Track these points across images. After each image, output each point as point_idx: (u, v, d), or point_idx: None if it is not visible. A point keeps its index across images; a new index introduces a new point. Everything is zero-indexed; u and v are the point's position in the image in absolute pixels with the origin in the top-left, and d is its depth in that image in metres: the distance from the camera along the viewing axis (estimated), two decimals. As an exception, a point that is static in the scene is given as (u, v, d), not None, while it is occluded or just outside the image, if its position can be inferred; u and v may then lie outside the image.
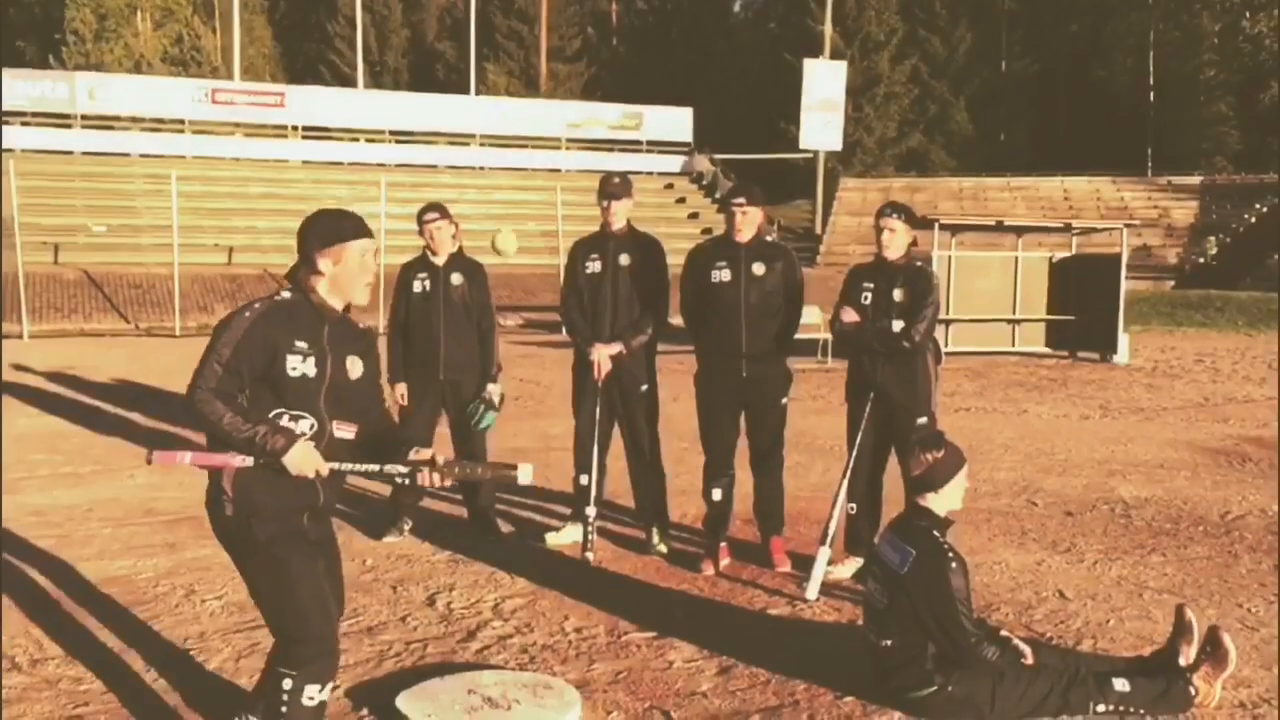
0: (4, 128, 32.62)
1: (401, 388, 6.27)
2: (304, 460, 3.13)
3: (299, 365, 3.16)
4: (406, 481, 3.28)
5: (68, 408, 11.67)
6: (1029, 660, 3.86)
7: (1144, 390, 13.70)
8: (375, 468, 3.27)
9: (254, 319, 3.15)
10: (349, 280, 3.25)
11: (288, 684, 3.19)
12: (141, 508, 7.06)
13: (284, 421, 3.16)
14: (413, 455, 3.27)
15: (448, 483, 3.30)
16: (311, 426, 3.20)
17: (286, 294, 3.25)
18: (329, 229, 3.26)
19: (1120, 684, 3.83)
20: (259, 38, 52.74)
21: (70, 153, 34.10)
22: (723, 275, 5.61)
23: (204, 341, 3.29)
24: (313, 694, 3.20)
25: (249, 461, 3.14)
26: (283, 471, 3.12)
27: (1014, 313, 18.50)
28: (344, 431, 3.29)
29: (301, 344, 3.17)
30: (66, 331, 23.15)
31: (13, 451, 8.90)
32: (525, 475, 3.30)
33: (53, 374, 14.72)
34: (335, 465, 3.22)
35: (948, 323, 17.48)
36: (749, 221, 5.63)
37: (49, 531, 6.41)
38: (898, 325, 5.33)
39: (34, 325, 22.37)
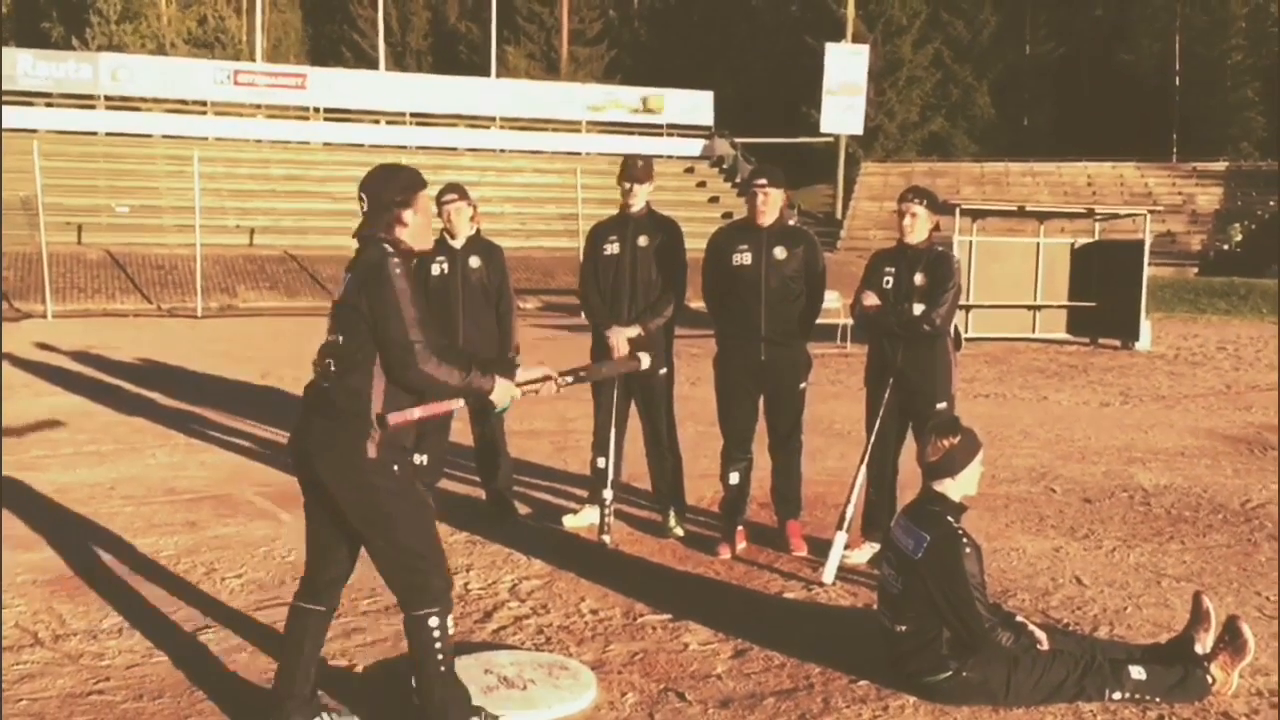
0: (28, 108, 32.84)
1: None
2: (505, 392, 3.50)
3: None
4: (538, 391, 3.70)
5: (90, 387, 11.76)
6: (1044, 646, 3.85)
7: (1165, 377, 13.61)
8: (535, 388, 3.66)
9: (404, 273, 3.34)
10: (425, 226, 3.52)
11: (434, 621, 3.36)
12: (163, 486, 7.12)
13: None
14: (522, 374, 3.64)
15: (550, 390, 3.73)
16: None
17: (388, 247, 3.41)
18: (405, 181, 3.49)
19: (1137, 671, 3.83)
20: (287, 19, 52.76)
21: (94, 133, 34.24)
22: (744, 258, 5.60)
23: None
24: (450, 624, 3.39)
25: (460, 403, 3.47)
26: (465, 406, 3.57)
27: (1035, 299, 18.38)
28: None
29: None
30: (90, 311, 23.30)
31: (37, 430, 8.98)
32: (645, 361, 4.17)
33: (76, 353, 14.84)
34: (525, 388, 3.59)
35: (968, 308, 17.40)
36: (771, 204, 5.62)
37: (72, 509, 6.48)
38: (918, 309, 5.33)
39: (57, 305, 22.52)
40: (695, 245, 5.79)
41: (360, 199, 3.45)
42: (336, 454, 3.32)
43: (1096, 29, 48.64)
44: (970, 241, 18.08)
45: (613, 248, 5.93)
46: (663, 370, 5.98)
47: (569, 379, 3.79)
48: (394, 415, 3.32)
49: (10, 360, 13.42)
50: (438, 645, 3.35)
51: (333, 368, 3.35)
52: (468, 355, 3.60)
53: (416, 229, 3.48)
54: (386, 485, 3.33)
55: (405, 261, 3.39)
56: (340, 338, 3.35)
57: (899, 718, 3.75)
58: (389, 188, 3.45)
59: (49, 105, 34.37)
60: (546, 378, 3.69)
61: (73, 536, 5.88)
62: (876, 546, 5.42)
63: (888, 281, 5.45)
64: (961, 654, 3.80)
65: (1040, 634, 3.90)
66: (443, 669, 3.38)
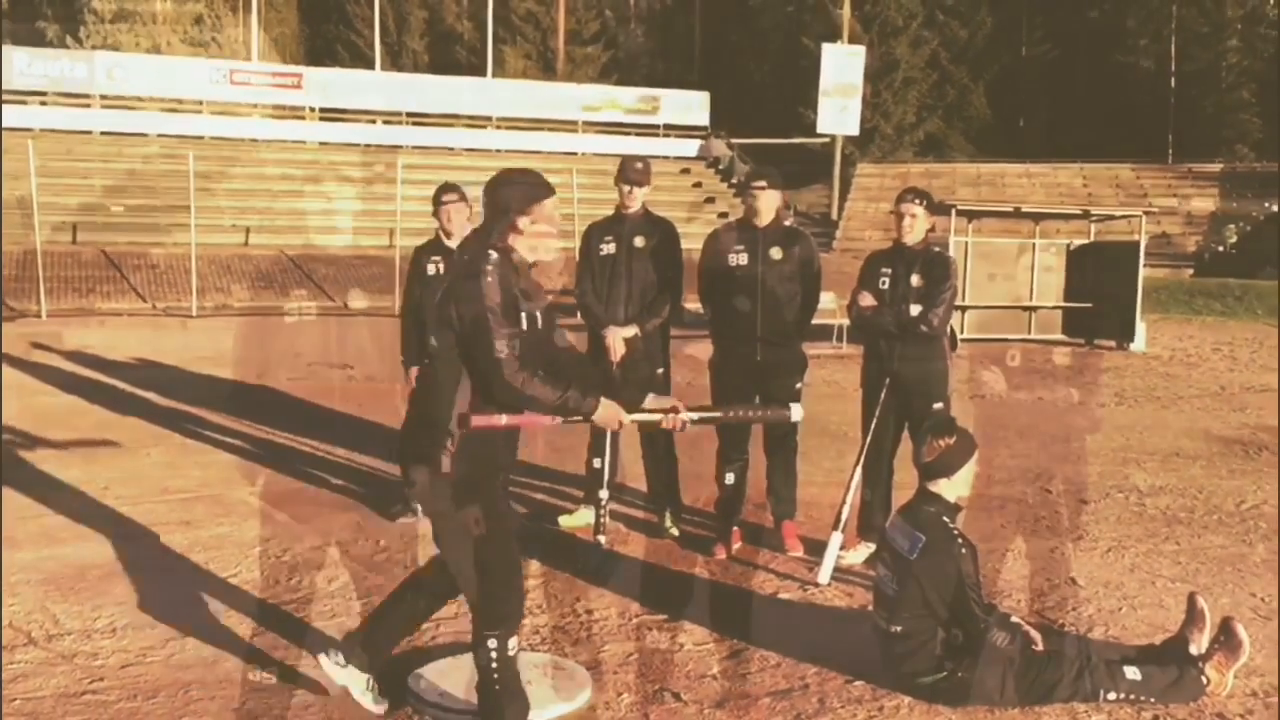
0: (22, 107, 32.77)
1: (414, 372, 6.27)
2: (611, 415, 3.32)
3: (526, 318, 3.29)
4: (660, 424, 3.53)
5: (85, 386, 11.73)
6: (1040, 647, 3.86)
7: (1160, 378, 13.62)
8: (657, 418, 3.48)
9: (498, 283, 3.21)
10: (545, 239, 3.39)
11: (494, 643, 3.32)
12: (157, 485, 7.10)
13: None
14: (650, 402, 3.50)
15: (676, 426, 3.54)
16: None
17: (494, 253, 3.28)
18: (526, 190, 3.37)
19: (1131, 672, 3.83)
20: (283, 18, 52.65)
21: (89, 132, 34.16)
22: (740, 259, 5.61)
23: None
24: (512, 645, 3.35)
25: (557, 420, 3.29)
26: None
27: (1031, 300, 18.41)
28: None
29: (524, 297, 3.30)
30: (84, 311, 23.23)
31: (31, 429, 8.95)
32: (797, 414, 3.88)
33: (70, 353, 14.79)
34: (634, 417, 3.42)
35: (963, 309, 17.40)
36: (768, 204, 5.63)
37: (66, 508, 6.46)
38: (915, 310, 5.33)
39: (52, 304, 22.46)
40: (691, 245, 5.78)
41: (483, 204, 3.38)
42: (418, 464, 3.34)
43: (1093, 31, 48.66)
44: (966, 242, 18.08)
45: (609, 248, 5.93)
46: (659, 370, 5.99)
47: (695, 417, 3.57)
48: (478, 417, 3.19)
49: (6, 360, 13.38)
50: (494, 666, 3.34)
51: (427, 371, 3.36)
52: (570, 373, 3.41)
53: (533, 240, 3.35)
54: (454, 502, 3.29)
55: (515, 273, 3.28)
56: (433, 341, 3.31)
57: (894, 718, 3.75)
58: (507, 194, 3.34)
59: (44, 104, 34.27)
60: (674, 409, 3.52)
61: (67, 536, 5.87)
62: (872, 547, 5.42)
63: (884, 282, 5.46)
64: (957, 655, 3.80)
65: (1035, 634, 3.90)
66: (497, 688, 3.36)
